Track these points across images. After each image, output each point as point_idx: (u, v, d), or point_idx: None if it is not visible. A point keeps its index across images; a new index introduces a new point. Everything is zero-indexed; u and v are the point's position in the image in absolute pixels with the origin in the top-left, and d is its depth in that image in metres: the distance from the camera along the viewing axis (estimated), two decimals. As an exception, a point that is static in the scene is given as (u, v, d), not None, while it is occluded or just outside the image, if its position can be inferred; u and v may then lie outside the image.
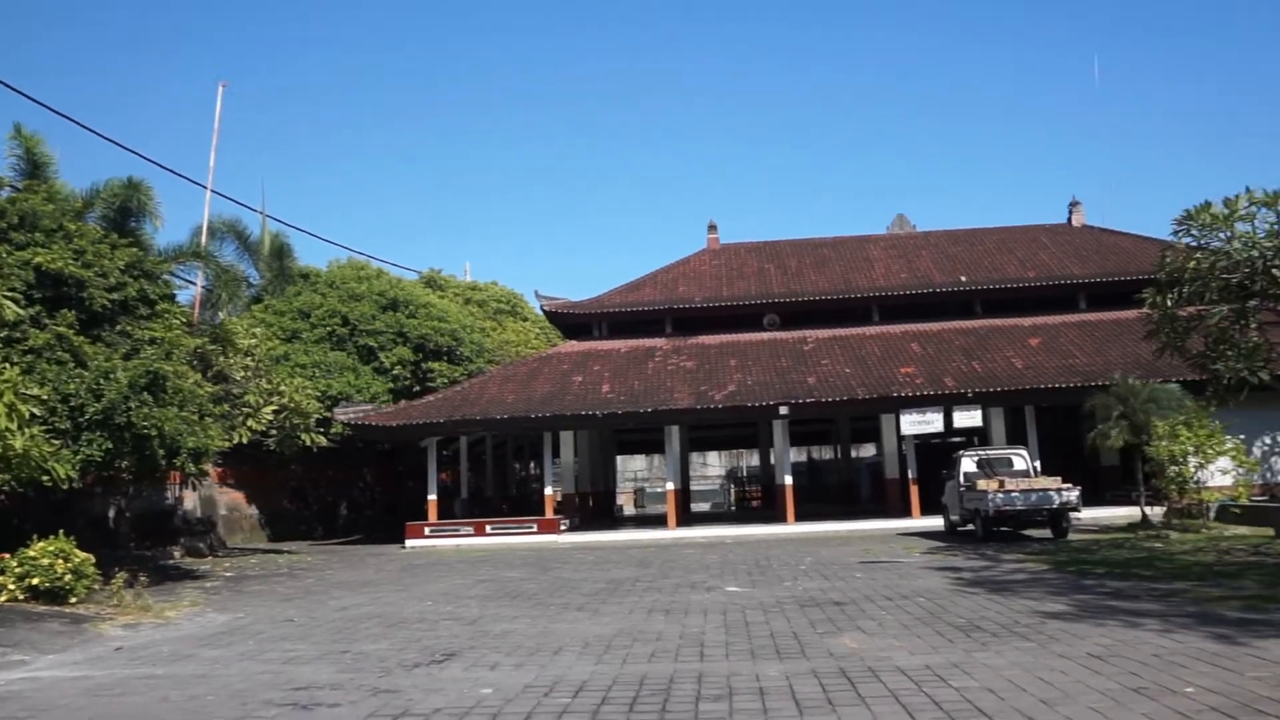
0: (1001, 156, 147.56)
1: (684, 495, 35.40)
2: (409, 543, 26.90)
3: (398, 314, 32.53)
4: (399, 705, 7.24)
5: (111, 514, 22.87)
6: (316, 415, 24.98)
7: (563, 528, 27.86)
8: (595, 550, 23.42)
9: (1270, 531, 19.04)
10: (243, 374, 22.58)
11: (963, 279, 32.54)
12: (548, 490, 29.62)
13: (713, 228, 37.94)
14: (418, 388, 32.06)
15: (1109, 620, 9.81)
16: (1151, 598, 11.38)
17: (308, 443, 24.38)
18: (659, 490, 43.22)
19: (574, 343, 33.07)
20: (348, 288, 33.02)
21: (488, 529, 27.66)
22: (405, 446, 32.92)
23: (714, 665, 8.38)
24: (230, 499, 29.38)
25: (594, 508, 35.46)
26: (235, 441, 21.57)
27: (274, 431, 23.69)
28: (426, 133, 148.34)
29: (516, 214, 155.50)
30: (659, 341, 32.24)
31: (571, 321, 33.85)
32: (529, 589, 15.14)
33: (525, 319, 43.39)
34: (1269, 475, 26.83)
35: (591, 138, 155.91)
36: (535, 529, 27.52)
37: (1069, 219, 37.46)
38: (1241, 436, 23.71)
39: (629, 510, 47.61)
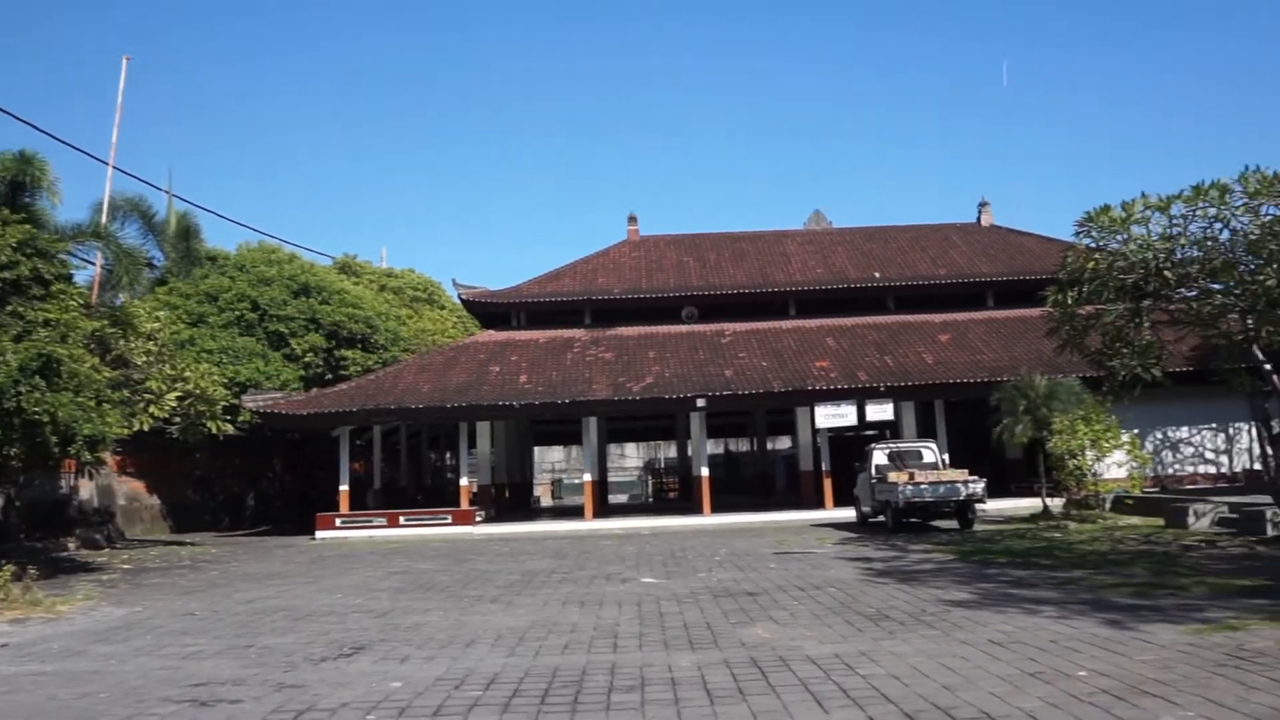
0: (915, 154, 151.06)
1: (601, 487, 35.42)
2: (319, 534, 26.33)
3: (310, 300, 31.79)
4: (304, 700, 7.05)
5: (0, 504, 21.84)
6: (223, 402, 24.23)
7: (478, 519, 27.60)
8: (511, 541, 23.27)
9: (1160, 521, 19.88)
10: (145, 359, 21.74)
11: (877, 275, 33.22)
12: (463, 481, 29.34)
13: (633, 219, 38.00)
14: (330, 375, 31.43)
15: (1010, 608, 10.12)
16: (1050, 585, 11.77)
17: (213, 431, 23.64)
18: (576, 481, 43.17)
19: (491, 332, 32.77)
20: (258, 271, 32.11)
21: (401, 520, 27.25)
22: (316, 436, 32.20)
23: (627, 656, 8.38)
24: (130, 488, 28.35)
25: (510, 499, 35.24)
26: (136, 429, 20.81)
27: (178, 419, 22.90)
28: (343, 117, 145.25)
29: (436, 201, 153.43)
30: (577, 332, 32.16)
31: (489, 311, 33.52)
32: (442, 581, 14.95)
33: (442, 307, 42.84)
34: (1160, 468, 28.08)
35: (513, 126, 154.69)
36: (450, 520, 27.20)
37: (978, 219, 38.52)
38: (1135, 431, 24.76)
39: (546, 502, 47.47)
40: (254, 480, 34.52)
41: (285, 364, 30.60)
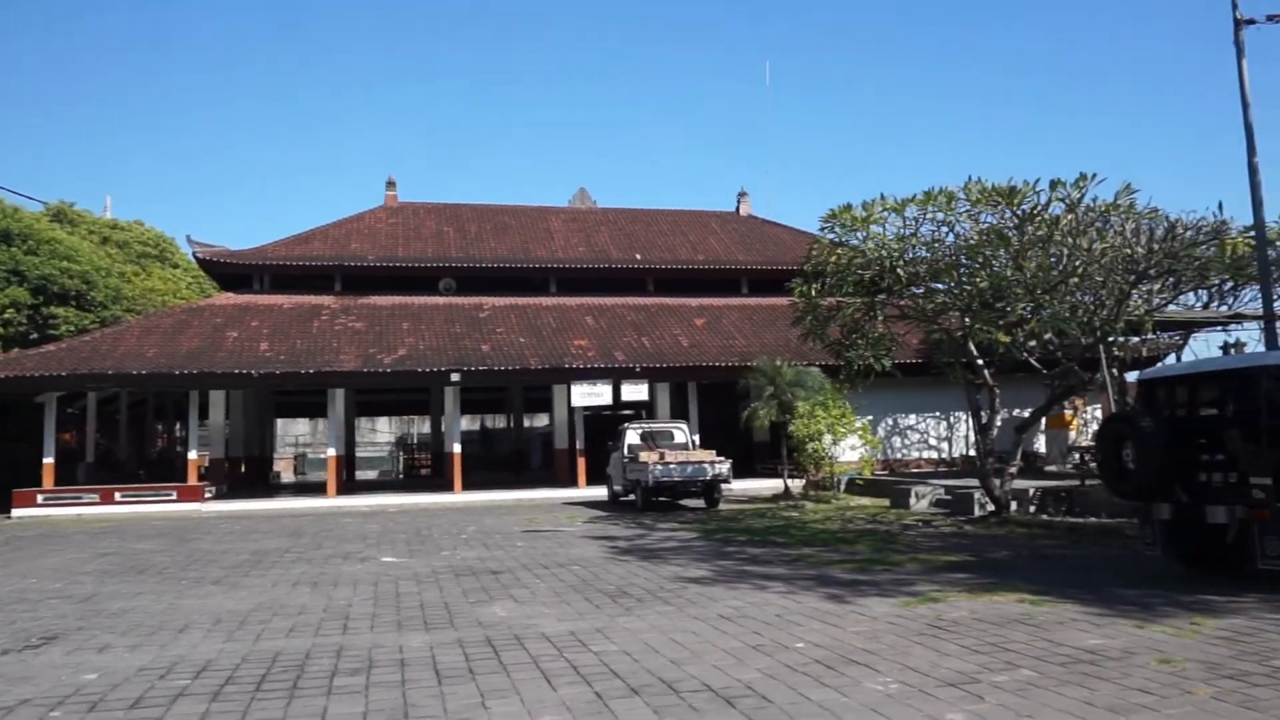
0: (680, 141, 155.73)
1: (348, 462, 34.10)
2: (16, 512, 23.77)
3: (12, 249, 28.32)
4: (-27, 698, 6.25)
5: None
6: (-102, 361, 21.11)
7: (208, 495, 25.82)
8: (244, 520, 21.92)
9: (886, 502, 21.52)
10: None
11: (638, 257, 33.89)
12: (192, 454, 27.21)
13: (391, 184, 36.62)
14: (36, 335, 28.16)
15: (741, 584, 10.52)
16: (782, 563, 12.37)
17: (-118, 394, 20.57)
18: (322, 456, 41.20)
19: (231, 295, 30.57)
20: (-55, 214, 28.23)
21: (117, 496, 24.99)
22: (17, 402, 28.76)
23: (356, 638, 8.04)
24: None
25: (247, 474, 33.19)
26: None
27: None
28: (65, 44, 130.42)
29: (170, 147, 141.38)
30: (327, 299, 30.63)
31: (229, 272, 31.26)
32: (159, 562, 13.90)
33: (176, 266, 39.47)
34: (889, 453, 30.40)
35: (263, 78, 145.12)
36: (175, 497, 25.27)
37: (737, 208, 40.17)
38: (869, 417, 26.68)
39: (288, 477, 45.07)
40: (-64, 452, 30.35)
41: (-22, 321, 27.13)
